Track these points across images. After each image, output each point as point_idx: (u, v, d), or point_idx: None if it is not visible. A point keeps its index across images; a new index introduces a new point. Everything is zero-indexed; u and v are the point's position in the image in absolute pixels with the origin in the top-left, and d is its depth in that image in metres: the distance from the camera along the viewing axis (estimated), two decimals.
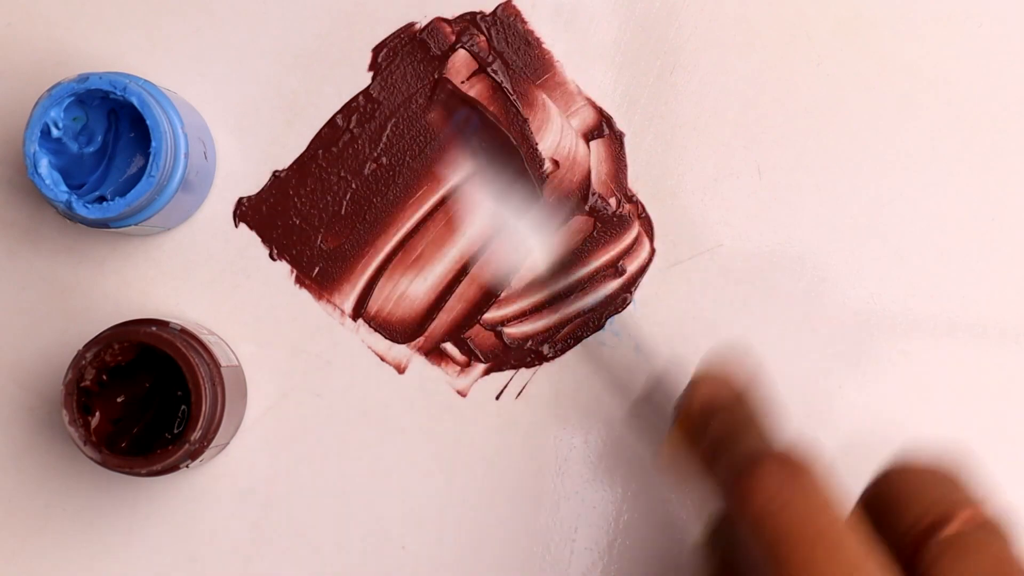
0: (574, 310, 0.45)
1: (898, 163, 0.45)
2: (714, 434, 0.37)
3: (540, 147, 0.45)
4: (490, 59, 0.45)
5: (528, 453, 0.45)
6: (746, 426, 0.37)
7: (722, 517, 0.38)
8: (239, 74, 0.45)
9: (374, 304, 0.45)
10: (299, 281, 0.45)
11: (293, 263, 0.45)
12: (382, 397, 0.45)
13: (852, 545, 0.31)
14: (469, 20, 0.45)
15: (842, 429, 0.45)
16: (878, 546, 0.32)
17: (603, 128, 0.45)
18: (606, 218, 0.45)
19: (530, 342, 0.45)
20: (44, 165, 0.40)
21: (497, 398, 0.45)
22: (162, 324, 0.41)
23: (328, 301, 0.45)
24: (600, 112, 0.45)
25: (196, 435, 0.40)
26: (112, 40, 0.45)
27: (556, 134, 0.45)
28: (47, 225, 0.45)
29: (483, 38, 0.45)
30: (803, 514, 0.32)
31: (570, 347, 0.45)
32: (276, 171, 0.45)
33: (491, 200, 0.45)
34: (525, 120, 0.45)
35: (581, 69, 0.45)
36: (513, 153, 0.45)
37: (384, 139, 0.45)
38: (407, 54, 0.45)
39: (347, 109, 0.45)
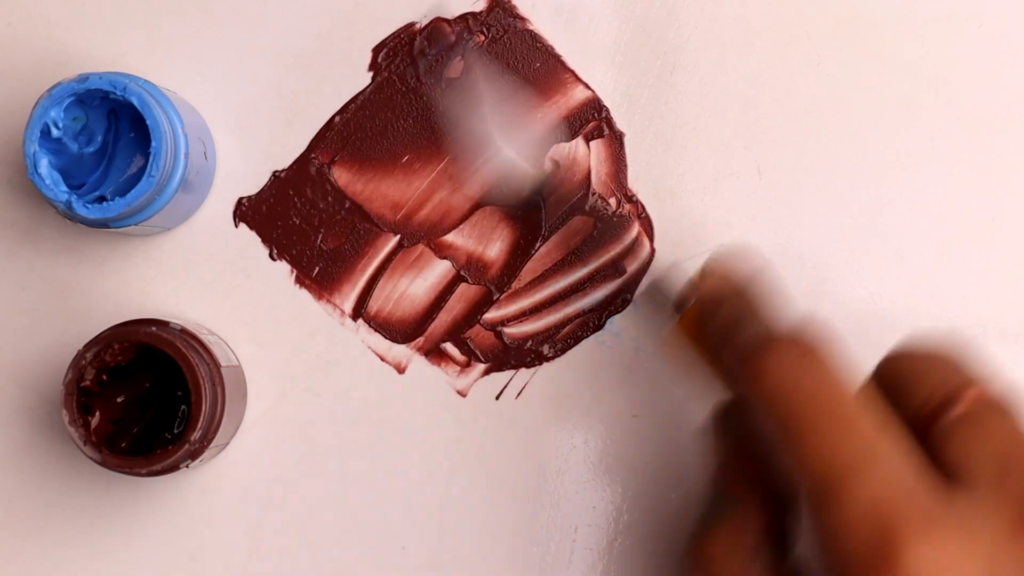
0: (574, 310, 0.45)
1: (898, 163, 0.45)
2: (722, 321, 0.37)
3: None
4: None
5: (528, 453, 0.45)
6: (753, 312, 0.38)
7: (732, 402, 0.38)
8: (239, 74, 0.45)
9: (374, 304, 0.45)
10: (299, 281, 0.45)
11: (293, 263, 0.45)
12: (382, 397, 0.45)
13: (865, 422, 0.31)
14: (470, 20, 0.45)
15: None
16: (892, 421, 0.32)
17: (603, 128, 0.45)
18: (606, 218, 0.45)
19: (530, 342, 0.45)
20: (44, 165, 0.40)
21: (497, 398, 0.45)
22: (162, 324, 0.41)
23: (328, 301, 0.45)
24: (600, 111, 0.45)
25: (196, 435, 0.40)
26: (112, 40, 0.45)
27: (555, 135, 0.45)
28: (47, 225, 0.45)
29: (483, 38, 0.45)
30: (816, 392, 0.32)
31: (570, 347, 0.45)
32: (276, 171, 0.45)
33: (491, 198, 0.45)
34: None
35: (581, 69, 0.45)
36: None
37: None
38: (407, 54, 0.45)
39: (347, 109, 0.45)
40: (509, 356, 0.45)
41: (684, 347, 0.40)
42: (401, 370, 0.45)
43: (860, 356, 0.45)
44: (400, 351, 0.45)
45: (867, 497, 0.29)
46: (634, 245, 0.45)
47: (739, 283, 0.39)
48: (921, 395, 0.33)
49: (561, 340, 0.45)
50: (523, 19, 0.45)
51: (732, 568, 0.35)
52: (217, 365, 0.41)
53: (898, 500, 0.29)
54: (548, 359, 0.45)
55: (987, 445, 0.31)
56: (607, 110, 0.45)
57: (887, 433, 0.31)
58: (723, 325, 0.37)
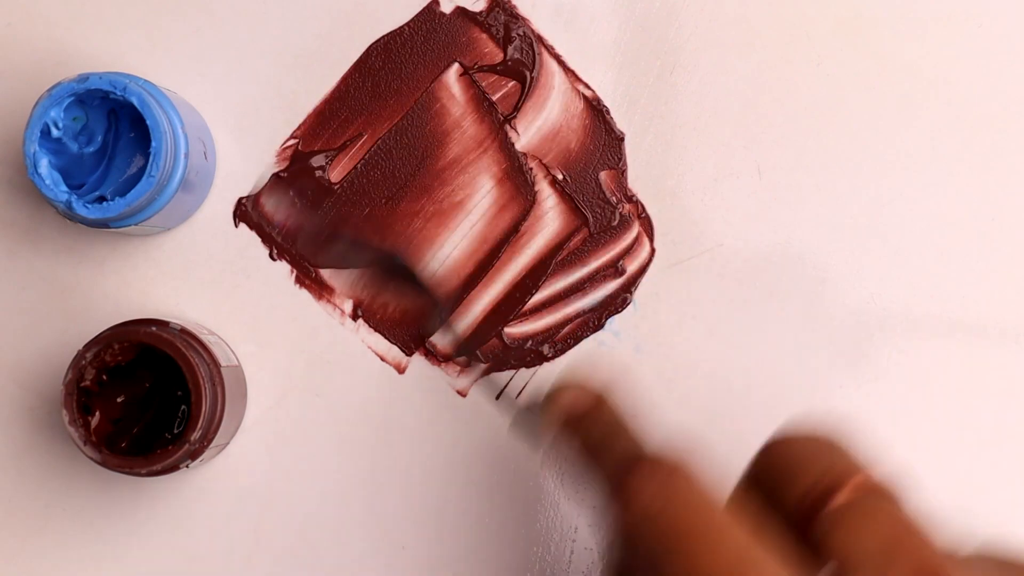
0: (574, 310, 0.45)
1: (898, 163, 0.45)
2: (581, 443, 0.37)
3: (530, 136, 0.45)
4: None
5: (528, 453, 0.45)
6: (612, 430, 0.37)
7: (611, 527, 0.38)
8: (239, 74, 0.45)
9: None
10: (299, 281, 0.45)
11: (293, 263, 0.45)
12: (382, 397, 0.45)
13: (736, 535, 0.31)
14: (469, 19, 0.45)
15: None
16: (765, 528, 0.32)
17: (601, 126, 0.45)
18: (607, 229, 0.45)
19: (530, 342, 0.45)
20: (44, 165, 0.40)
21: (497, 398, 0.45)
22: (162, 324, 0.41)
23: (328, 301, 0.45)
24: (600, 111, 0.45)
25: (196, 435, 0.40)
26: (112, 40, 0.45)
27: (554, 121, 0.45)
28: (47, 225, 0.45)
29: (485, 36, 0.45)
30: (682, 513, 0.32)
31: (570, 347, 0.45)
32: (277, 171, 0.45)
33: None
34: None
35: (581, 69, 0.45)
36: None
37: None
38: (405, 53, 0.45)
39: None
40: (509, 356, 0.45)
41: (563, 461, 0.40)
42: (401, 370, 0.45)
43: (860, 357, 0.45)
44: (400, 351, 0.45)
45: None
46: (634, 245, 0.45)
47: (591, 398, 0.38)
48: (802, 485, 0.33)
49: (561, 340, 0.45)
50: (523, 19, 0.45)
51: None
52: (217, 365, 0.41)
53: None
54: (548, 359, 0.45)
55: (870, 534, 0.31)
56: (607, 110, 0.45)
57: (759, 542, 0.31)
58: (584, 447, 0.37)
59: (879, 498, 0.32)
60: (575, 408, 0.38)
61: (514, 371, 0.45)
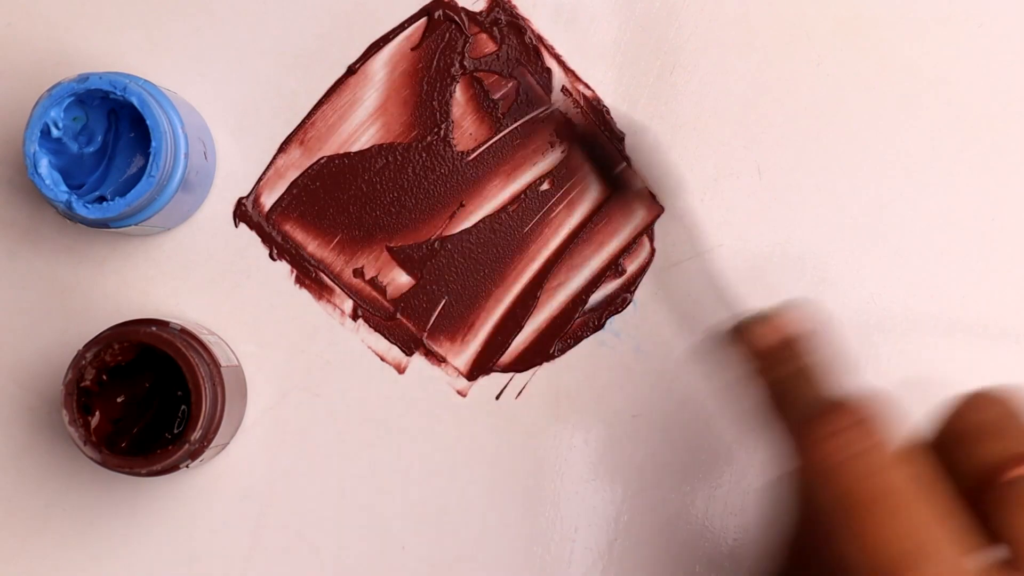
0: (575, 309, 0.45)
1: (898, 163, 0.45)
2: (771, 381, 0.36)
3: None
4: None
5: (528, 453, 0.45)
6: (804, 372, 0.36)
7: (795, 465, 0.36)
8: (239, 74, 0.45)
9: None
10: (299, 281, 0.45)
11: (293, 263, 0.45)
12: (382, 397, 0.45)
13: (914, 511, 0.30)
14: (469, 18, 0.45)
15: None
16: (947, 500, 0.31)
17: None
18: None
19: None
20: (44, 165, 0.40)
21: (497, 398, 0.45)
22: (162, 324, 0.41)
23: (328, 301, 0.45)
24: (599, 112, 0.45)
25: (196, 435, 0.40)
26: (112, 40, 0.45)
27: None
28: (47, 225, 0.45)
29: (485, 36, 0.45)
30: (862, 473, 0.31)
31: (570, 347, 0.45)
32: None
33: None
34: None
35: (581, 69, 0.45)
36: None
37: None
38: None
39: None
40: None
41: (744, 379, 0.39)
42: (401, 370, 0.45)
43: (860, 357, 0.45)
44: (400, 351, 0.45)
45: None
46: (634, 245, 0.45)
47: (809, 331, 0.37)
48: (986, 450, 0.32)
49: (561, 340, 0.45)
50: (524, 19, 0.45)
51: None
52: (217, 365, 0.41)
53: None
54: (548, 359, 0.45)
55: None
56: (607, 110, 0.45)
57: (944, 522, 0.30)
58: (776, 383, 0.36)
59: None
60: (770, 342, 0.37)
61: (513, 373, 0.45)
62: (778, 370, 0.36)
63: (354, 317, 0.45)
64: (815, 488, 0.31)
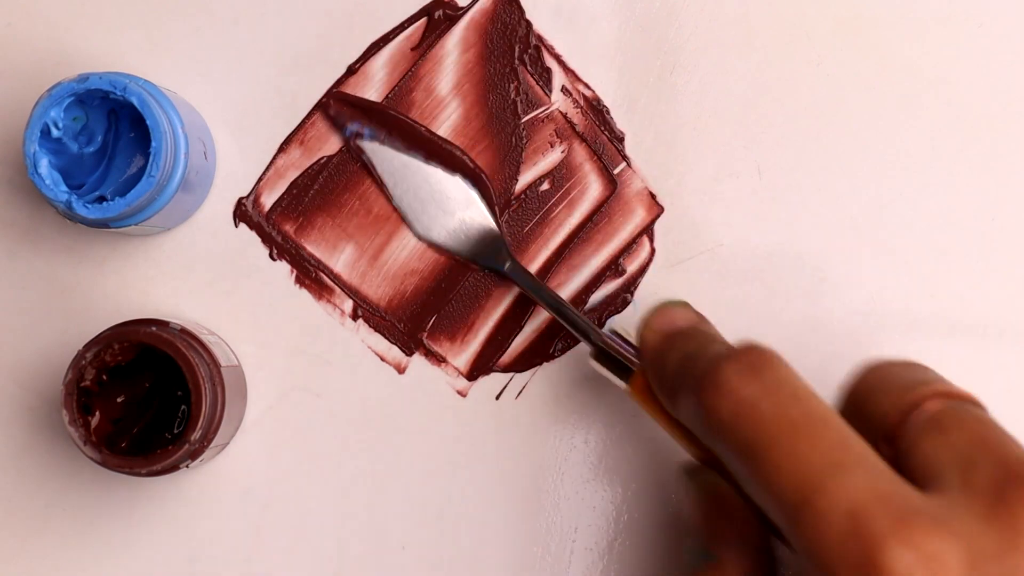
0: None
1: (898, 163, 0.45)
2: (681, 352, 0.37)
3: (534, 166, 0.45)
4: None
5: (528, 453, 0.45)
6: (710, 339, 0.37)
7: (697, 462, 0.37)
8: (239, 74, 0.45)
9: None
10: (299, 281, 0.45)
11: (293, 263, 0.45)
12: (382, 397, 0.45)
13: (833, 426, 0.31)
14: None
15: None
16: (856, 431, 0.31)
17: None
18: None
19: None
20: (44, 165, 0.40)
21: (497, 398, 0.45)
22: (162, 324, 0.41)
23: (328, 301, 0.45)
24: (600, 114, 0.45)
25: (196, 435, 0.40)
26: (112, 40, 0.45)
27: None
28: (47, 225, 0.45)
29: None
30: (775, 407, 0.31)
31: (570, 347, 0.45)
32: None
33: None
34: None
35: (581, 69, 0.45)
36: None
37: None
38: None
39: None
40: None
41: (643, 408, 0.40)
42: (401, 370, 0.45)
43: (861, 357, 0.45)
44: (400, 351, 0.45)
45: (842, 505, 0.29)
46: (634, 245, 0.45)
47: (688, 318, 0.39)
48: (884, 406, 0.33)
49: (561, 340, 0.45)
50: (526, 20, 0.45)
51: None
52: (217, 365, 0.41)
53: (872, 504, 0.29)
54: (548, 359, 0.45)
55: (950, 445, 0.31)
56: (607, 110, 0.45)
57: (854, 436, 0.31)
58: (685, 352, 0.36)
59: (954, 411, 0.32)
60: (676, 321, 0.38)
61: (513, 373, 0.45)
62: (689, 341, 0.37)
63: (354, 317, 0.45)
64: (732, 430, 0.32)
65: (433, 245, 0.45)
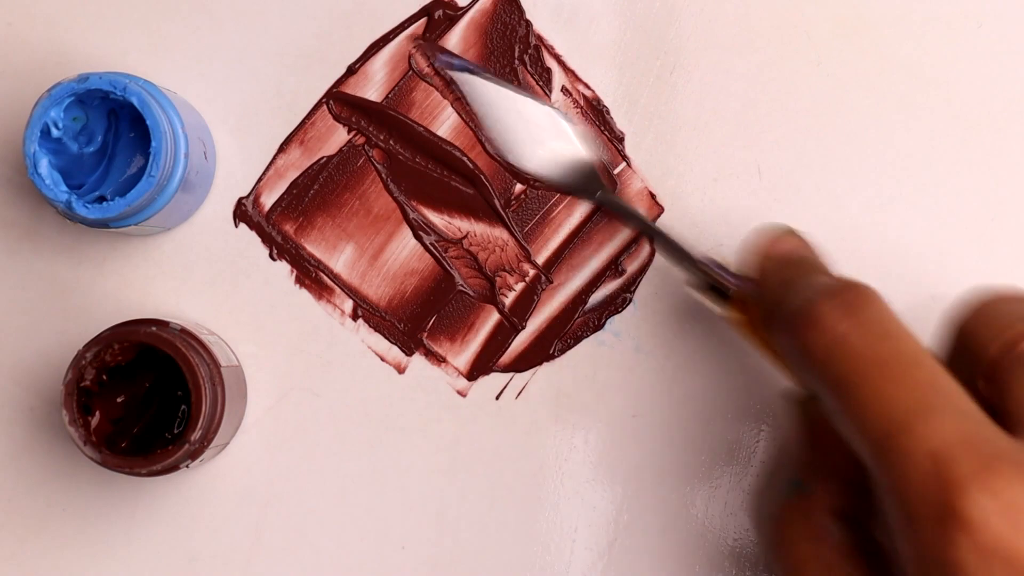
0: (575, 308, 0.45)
1: (898, 163, 0.45)
2: (783, 276, 0.37)
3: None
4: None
5: (528, 453, 0.45)
6: (814, 266, 0.37)
7: (802, 394, 0.37)
8: (239, 74, 0.45)
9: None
10: (299, 281, 0.45)
11: (293, 263, 0.45)
12: (382, 397, 0.45)
13: (927, 364, 0.31)
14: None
15: None
16: (950, 370, 0.31)
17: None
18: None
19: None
20: (44, 165, 0.40)
21: (497, 398, 0.45)
22: (162, 324, 0.41)
23: (328, 301, 0.45)
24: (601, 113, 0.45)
25: (196, 435, 0.40)
26: (112, 40, 0.45)
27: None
28: (47, 225, 0.45)
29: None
30: (867, 345, 0.31)
31: (570, 347, 0.45)
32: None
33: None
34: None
35: (581, 69, 0.45)
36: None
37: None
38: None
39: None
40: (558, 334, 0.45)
41: (742, 335, 0.41)
42: (401, 370, 0.45)
43: None
44: (400, 351, 0.45)
45: (925, 447, 0.29)
46: (634, 245, 0.45)
47: (785, 252, 0.39)
48: (985, 341, 0.32)
49: (561, 340, 0.45)
50: (526, 20, 0.45)
51: (804, 551, 0.34)
52: (217, 365, 0.41)
53: (956, 447, 0.28)
54: (548, 359, 0.45)
55: None
56: (607, 110, 0.45)
57: (946, 377, 0.30)
58: (787, 276, 0.37)
59: None
60: (782, 247, 0.38)
61: (514, 373, 0.45)
62: (792, 266, 0.37)
63: (354, 317, 0.45)
64: (826, 362, 0.32)
65: (526, 174, 0.44)
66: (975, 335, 0.33)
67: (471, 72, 0.44)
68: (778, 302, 0.36)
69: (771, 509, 0.36)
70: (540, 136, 0.44)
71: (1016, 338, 0.32)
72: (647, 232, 0.44)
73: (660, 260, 0.45)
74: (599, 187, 0.44)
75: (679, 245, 0.42)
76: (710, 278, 0.41)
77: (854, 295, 0.33)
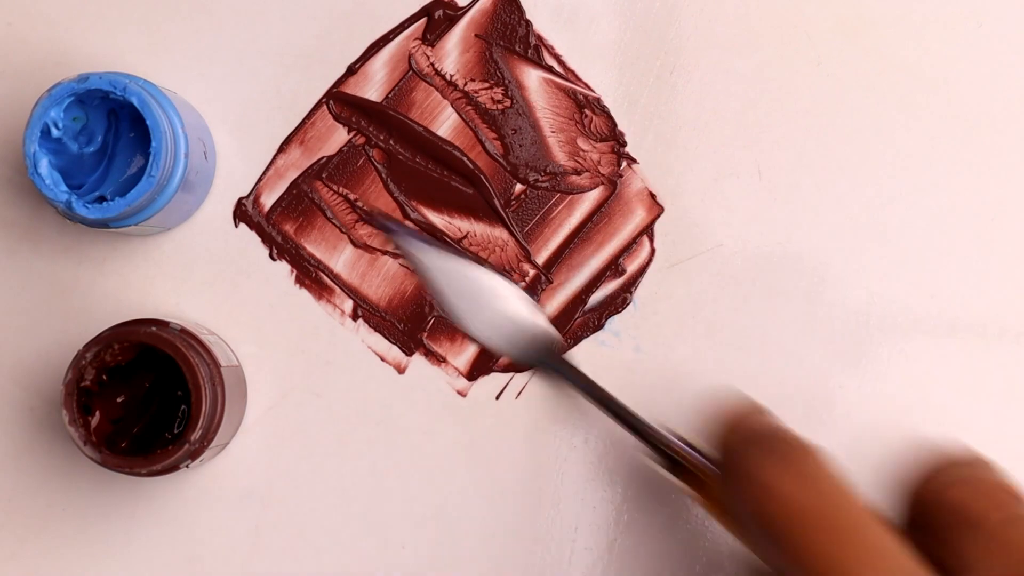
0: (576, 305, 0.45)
1: (898, 163, 0.45)
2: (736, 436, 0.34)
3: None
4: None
5: (528, 453, 0.45)
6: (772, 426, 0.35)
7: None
8: (239, 74, 0.45)
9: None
10: (299, 281, 0.45)
11: (293, 263, 0.45)
12: (382, 397, 0.45)
13: (877, 532, 0.30)
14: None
15: (842, 429, 0.45)
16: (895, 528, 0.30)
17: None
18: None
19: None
20: (44, 165, 0.40)
21: (497, 398, 0.45)
22: (162, 324, 0.41)
23: (328, 301, 0.45)
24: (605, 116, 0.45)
25: (196, 435, 0.40)
26: (112, 40, 0.45)
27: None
28: (47, 225, 0.45)
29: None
30: (816, 497, 0.30)
31: (570, 347, 0.45)
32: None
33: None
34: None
35: (581, 69, 0.45)
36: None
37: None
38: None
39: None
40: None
41: (716, 517, 0.39)
42: (401, 370, 0.45)
43: (861, 357, 0.45)
44: (400, 351, 0.45)
45: None
46: (634, 245, 0.45)
47: (753, 432, 0.36)
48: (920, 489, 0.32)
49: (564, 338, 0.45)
50: (526, 20, 0.45)
51: None
52: (217, 365, 0.41)
53: None
54: None
55: (1005, 556, 0.30)
56: (607, 110, 0.45)
57: (903, 544, 0.30)
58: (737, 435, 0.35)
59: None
60: (749, 422, 0.36)
61: (513, 374, 0.45)
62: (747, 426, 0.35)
63: (354, 317, 0.45)
64: (762, 517, 0.31)
65: (480, 342, 0.44)
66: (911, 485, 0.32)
67: (424, 242, 0.43)
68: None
69: None
70: (493, 303, 0.43)
71: (943, 485, 0.31)
72: (599, 401, 0.42)
73: (661, 260, 0.45)
74: (551, 356, 0.43)
75: (641, 420, 0.41)
76: (688, 463, 0.40)
77: (801, 447, 0.32)
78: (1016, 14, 0.46)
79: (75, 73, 0.41)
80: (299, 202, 0.45)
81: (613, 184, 0.45)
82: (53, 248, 0.45)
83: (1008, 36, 0.46)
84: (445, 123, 0.45)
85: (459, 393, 0.45)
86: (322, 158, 0.45)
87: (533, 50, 0.45)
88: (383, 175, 0.45)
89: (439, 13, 0.45)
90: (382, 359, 0.45)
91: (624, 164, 0.45)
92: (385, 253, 0.45)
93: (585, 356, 0.45)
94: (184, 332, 0.41)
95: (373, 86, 0.45)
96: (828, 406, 0.45)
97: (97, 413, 0.41)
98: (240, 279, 0.45)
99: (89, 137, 0.42)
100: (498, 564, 0.44)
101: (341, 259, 0.45)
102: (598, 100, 0.45)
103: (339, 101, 0.45)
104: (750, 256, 0.45)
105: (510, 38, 0.45)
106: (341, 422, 0.45)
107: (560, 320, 0.45)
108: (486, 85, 0.45)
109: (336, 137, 0.45)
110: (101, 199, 0.41)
